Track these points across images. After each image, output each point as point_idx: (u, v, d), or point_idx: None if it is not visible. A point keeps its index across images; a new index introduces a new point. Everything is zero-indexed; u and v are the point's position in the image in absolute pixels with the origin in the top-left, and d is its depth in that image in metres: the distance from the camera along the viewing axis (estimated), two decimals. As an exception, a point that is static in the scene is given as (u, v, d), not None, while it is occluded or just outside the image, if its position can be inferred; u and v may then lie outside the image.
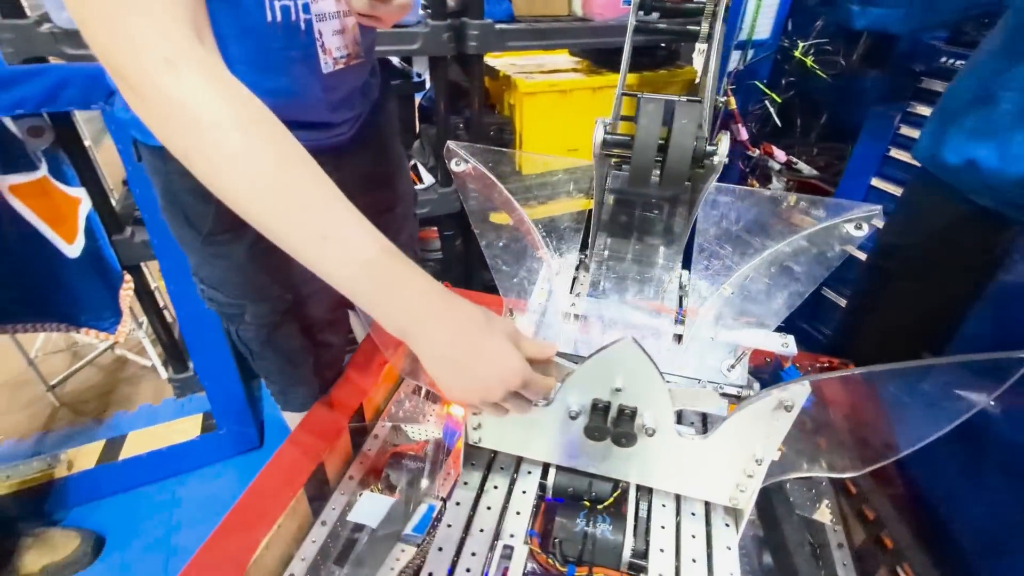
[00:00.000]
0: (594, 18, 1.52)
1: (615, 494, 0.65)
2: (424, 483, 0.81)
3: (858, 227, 0.73)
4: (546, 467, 0.67)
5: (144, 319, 1.56)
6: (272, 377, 0.99)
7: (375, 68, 0.85)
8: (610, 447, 0.58)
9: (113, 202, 1.37)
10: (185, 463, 1.45)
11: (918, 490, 0.72)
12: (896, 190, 1.40)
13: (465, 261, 1.73)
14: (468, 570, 0.57)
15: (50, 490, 1.33)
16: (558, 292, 0.78)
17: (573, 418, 0.56)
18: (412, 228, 1.14)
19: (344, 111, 0.77)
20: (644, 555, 0.60)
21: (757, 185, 1.62)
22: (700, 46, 0.91)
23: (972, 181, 0.96)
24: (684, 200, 0.77)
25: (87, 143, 1.27)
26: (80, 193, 1.24)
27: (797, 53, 1.45)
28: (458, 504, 0.63)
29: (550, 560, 0.60)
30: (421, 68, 1.75)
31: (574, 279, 0.81)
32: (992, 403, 0.74)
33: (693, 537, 0.61)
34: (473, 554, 0.59)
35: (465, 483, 0.66)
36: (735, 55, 1.50)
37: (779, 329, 0.73)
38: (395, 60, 1.71)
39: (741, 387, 0.64)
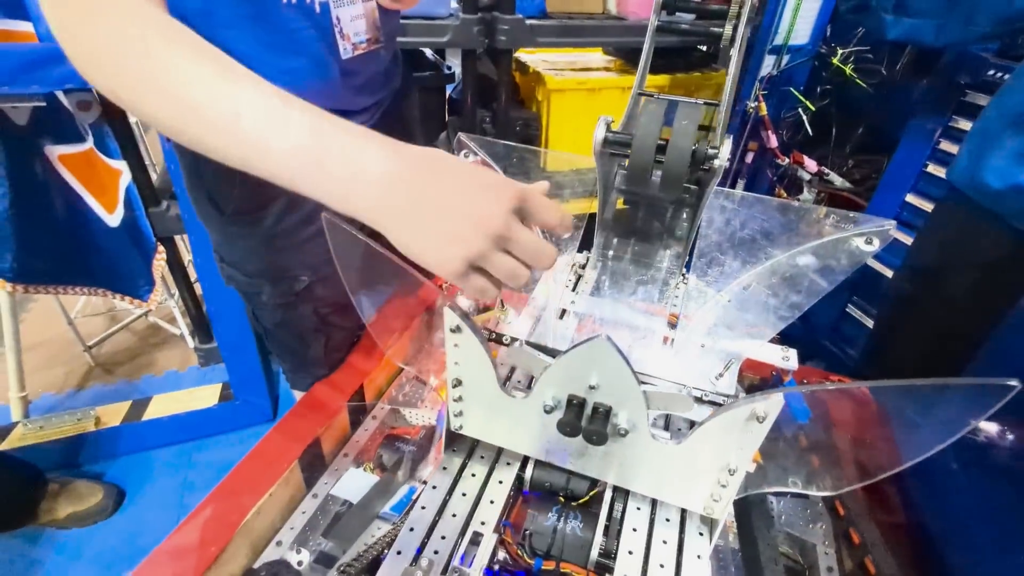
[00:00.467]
0: (628, 17, 1.50)
1: (591, 493, 0.65)
2: (411, 466, 0.83)
3: (868, 241, 0.71)
4: (526, 460, 0.68)
5: (176, 291, 1.64)
6: (284, 356, 1.02)
7: (397, 56, 0.86)
8: (587, 445, 0.58)
9: (153, 177, 1.45)
10: (202, 429, 1.52)
11: (908, 515, 0.69)
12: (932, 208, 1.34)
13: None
14: (436, 552, 0.58)
15: (78, 443, 1.41)
16: (557, 290, 0.78)
17: (548, 412, 0.57)
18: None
19: (365, 97, 0.78)
20: (613, 556, 0.60)
21: (785, 195, 1.58)
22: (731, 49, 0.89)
23: (1016, 207, 0.92)
24: (689, 203, 0.76)
25: (131, 119, 1.34)
26: (121, 166, 1.32)
27: (835, 60, 1.40)
28: (435, 488, 0.65)
29: (519, 552, 0.61)
30: (454, 61, 1.77)
31: (578, 278, 0.81)
32: (987, 430, 0.71)
33: (664, 543, 0.61)
34: (443, 537, 0.60)
35: (444, 468, 0.67)
36: (769, 59, 1.45)
37: (793, 345, 0.72)
38: (428, 53, 1.74)
39: (728, 396, 0.63)
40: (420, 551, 0.58)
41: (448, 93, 1.77)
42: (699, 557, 0.60)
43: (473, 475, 0.67)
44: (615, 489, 0.65)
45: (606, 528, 0.62)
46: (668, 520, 0.63)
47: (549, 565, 0.59)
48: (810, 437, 0.55)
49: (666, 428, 0.77)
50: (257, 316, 0.93)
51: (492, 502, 0.64)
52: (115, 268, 1.45)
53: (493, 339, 0.70)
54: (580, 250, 0.83)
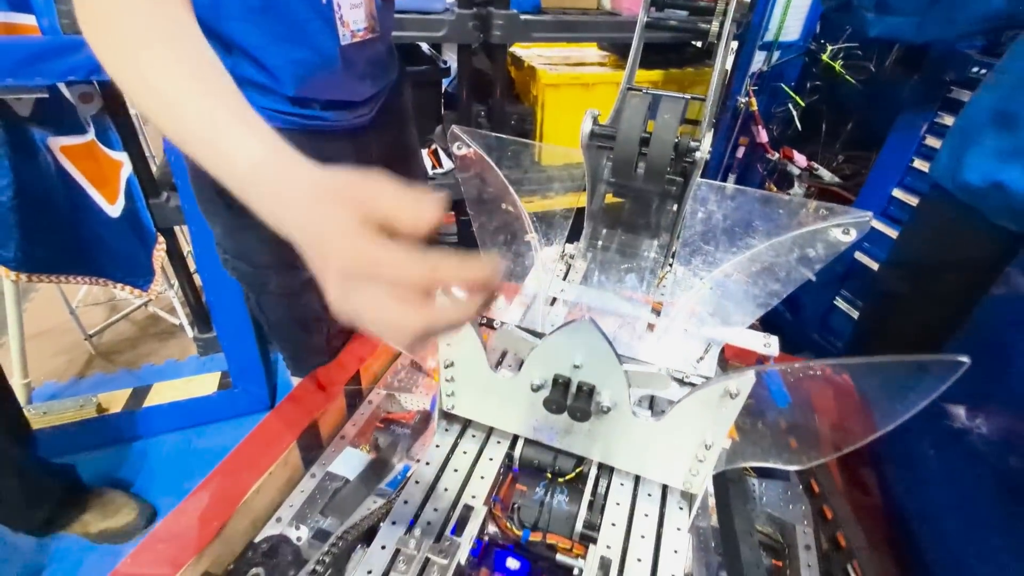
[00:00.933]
0: (621, 12, 1.53)
1: (577, 470, 0.68)
2: (406, 447, 0.86)
3: (845, 232, 0.74)
4: (515, 440, 0.71)
5: (176, 281, 1.66)
6: (286, 344, 1.04)
7: (392, 48, 0.88)
8: (572, 423, 0.61)
9: (153, 168, 1.47)
10: (201, 416, 1.55)
11: (879, 494, 0.73)
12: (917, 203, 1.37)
13: (479, 246, 1.77)
14: (428, 523, 0.61)
15: (80, 430, 1.44)
16: (546, 279, 0.81)
17: (535, 391, 0.60)
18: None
19: (365, 87, 0.80)
20: (597, 528, 0.63)
21: (775, 189, 1.61)
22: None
23: (997, 204, 0.94)
24: (674, 194, 0.79)
25: (132, 111, 1.36)
26: (122, 157, 1.34)
27: (825, 57, 1.43)
28: (428, 464, 0.68)
29: (508, 524, 0.64)
30: (450, 56, 1.80)
31: (568, 267, 0.84)
32: (953, 413, 0.74)
33: (646, 516, 0.64)
34: (435, 510, 0.63)
35: (437, 446, 0.70)
36: (760, 56, 1.48)
37: (782, 336, 0.74)
38: (424, 47, 1.76)
39: (707, 378, 0.66)
40: (414, 522, 0.61)
41: (444, 87, 1.79)
42: (679, 529, 0.63)
43: (464, 452, 0.69)
44: (600, 467, 0.68)
45: (591, 503, 0.65)
46: (650, 495, 0.66)
47: (536, 536, 0.62)
48: (782, 414, 0.58)
49: (650, 408, 0.80)
50: (261, 306, 0.95)
51: (483, 478, 0.67)
52: (116, 258, 1.47)
53: (484, 324, 0.73)
54: (569, 240, 0.86)
